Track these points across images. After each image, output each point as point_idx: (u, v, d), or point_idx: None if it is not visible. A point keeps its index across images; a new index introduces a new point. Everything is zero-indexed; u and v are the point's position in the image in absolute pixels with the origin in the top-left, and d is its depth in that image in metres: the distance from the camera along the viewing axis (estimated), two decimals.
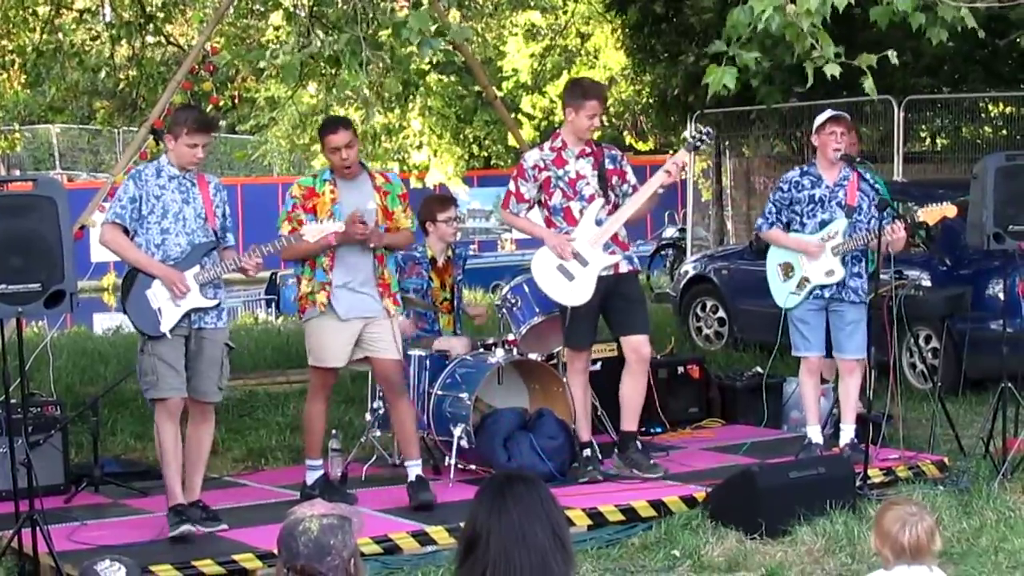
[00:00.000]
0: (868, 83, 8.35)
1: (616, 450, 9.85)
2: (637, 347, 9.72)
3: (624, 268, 9.71)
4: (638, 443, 9.80)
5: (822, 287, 10.02)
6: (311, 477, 9.24)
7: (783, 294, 10.18)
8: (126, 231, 8.50)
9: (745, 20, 8.11)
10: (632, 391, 9.76)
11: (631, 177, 9.81)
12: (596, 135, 10.06)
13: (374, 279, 9.12)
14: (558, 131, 9.98)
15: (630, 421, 9.79)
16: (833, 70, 8.15)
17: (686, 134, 9.96)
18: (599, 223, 9.60)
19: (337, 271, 9.05)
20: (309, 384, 9.66)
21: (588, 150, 9.70)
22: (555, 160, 9.68)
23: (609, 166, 9.72)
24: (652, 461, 9.64)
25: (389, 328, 9.16)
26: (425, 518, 8.67)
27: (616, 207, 9.67)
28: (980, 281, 12.54)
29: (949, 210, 9.87)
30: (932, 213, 9.90)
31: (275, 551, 4.43)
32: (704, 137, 9.91)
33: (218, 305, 8.61)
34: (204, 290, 8.54)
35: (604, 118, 11.27)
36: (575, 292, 9.56)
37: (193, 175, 8.67)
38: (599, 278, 9.55)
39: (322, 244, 8.81)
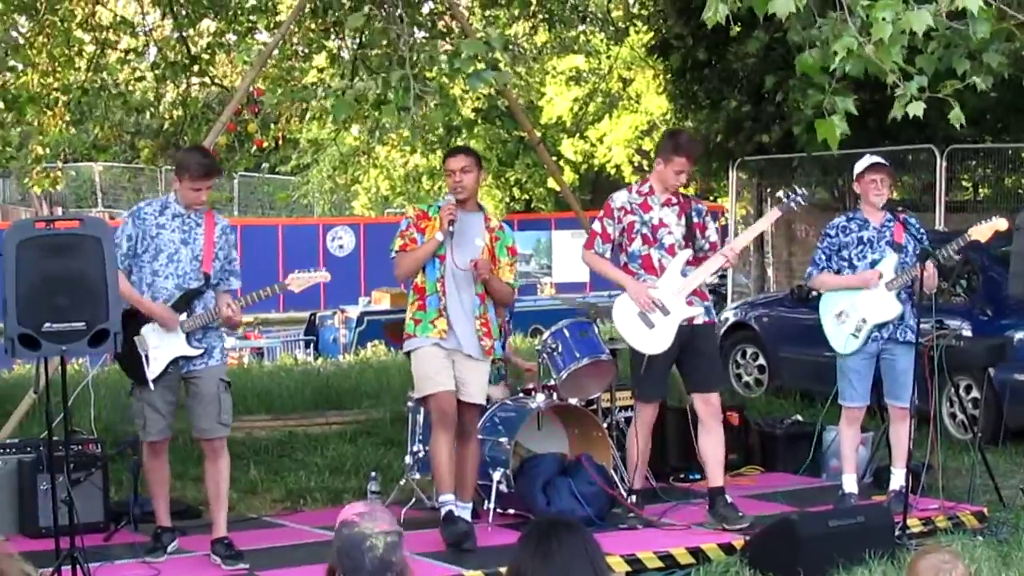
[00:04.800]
0: (955, 113, 8.05)
1: (707, 506, 9.76)
2: (711, 401, 9.73)
3: (700, 320, 9.69)
4: (727, 497, 9.70)
5: (880, 326, 9.90)
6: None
7: (842, 338, 9.99)
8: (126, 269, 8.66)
9: (816, 64, 8.03)
10: (713, 447, 9.75)
11: (711, 233, 9.80)
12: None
13: (475, 316, 9.10)
14: (648, 176, 9.94)
15: (716, 477, 9.73)
16: (916, 109, 7.82)
17: (780, 194, 9.92)
18: (684, 274, 9.59)
19: (449, 301, 9.05)
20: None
21: (674, 200, 9.71)
22: (642, 205, 9.66)
23: (695, 219, 9.73)
24: (740, 513, 9.55)
25: (481, 371, 9.15)
26: (462, 562, 8.66)
27: (697, 260, 9.69)
28: (1021, 331, 12.50)
29: (1000, 224, 9.71)
30: (983, 230, 9.71)
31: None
32: (799, 198, 9.92)
33: (205, 351, 8.70)
34: (191, 338, 8.64)
35: (646, 163, 11.19)
36: (655, 340, 9.53)
37: (200, 214, 8.75)
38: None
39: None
